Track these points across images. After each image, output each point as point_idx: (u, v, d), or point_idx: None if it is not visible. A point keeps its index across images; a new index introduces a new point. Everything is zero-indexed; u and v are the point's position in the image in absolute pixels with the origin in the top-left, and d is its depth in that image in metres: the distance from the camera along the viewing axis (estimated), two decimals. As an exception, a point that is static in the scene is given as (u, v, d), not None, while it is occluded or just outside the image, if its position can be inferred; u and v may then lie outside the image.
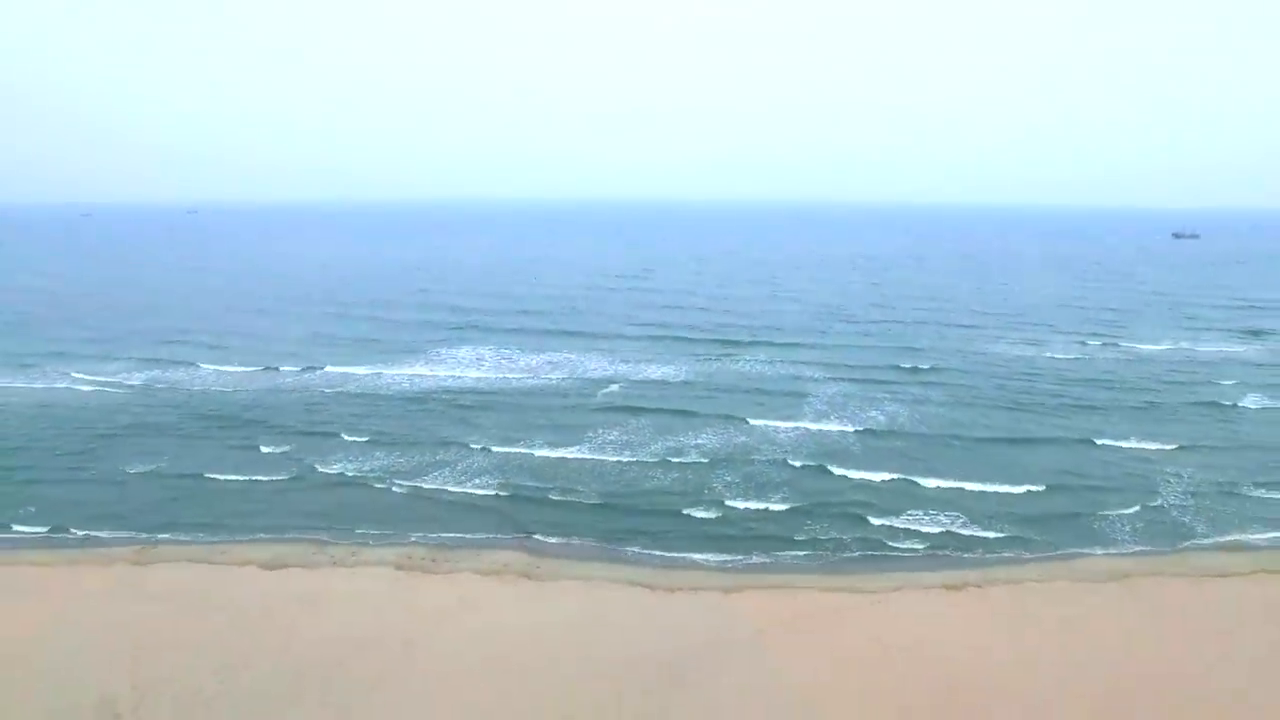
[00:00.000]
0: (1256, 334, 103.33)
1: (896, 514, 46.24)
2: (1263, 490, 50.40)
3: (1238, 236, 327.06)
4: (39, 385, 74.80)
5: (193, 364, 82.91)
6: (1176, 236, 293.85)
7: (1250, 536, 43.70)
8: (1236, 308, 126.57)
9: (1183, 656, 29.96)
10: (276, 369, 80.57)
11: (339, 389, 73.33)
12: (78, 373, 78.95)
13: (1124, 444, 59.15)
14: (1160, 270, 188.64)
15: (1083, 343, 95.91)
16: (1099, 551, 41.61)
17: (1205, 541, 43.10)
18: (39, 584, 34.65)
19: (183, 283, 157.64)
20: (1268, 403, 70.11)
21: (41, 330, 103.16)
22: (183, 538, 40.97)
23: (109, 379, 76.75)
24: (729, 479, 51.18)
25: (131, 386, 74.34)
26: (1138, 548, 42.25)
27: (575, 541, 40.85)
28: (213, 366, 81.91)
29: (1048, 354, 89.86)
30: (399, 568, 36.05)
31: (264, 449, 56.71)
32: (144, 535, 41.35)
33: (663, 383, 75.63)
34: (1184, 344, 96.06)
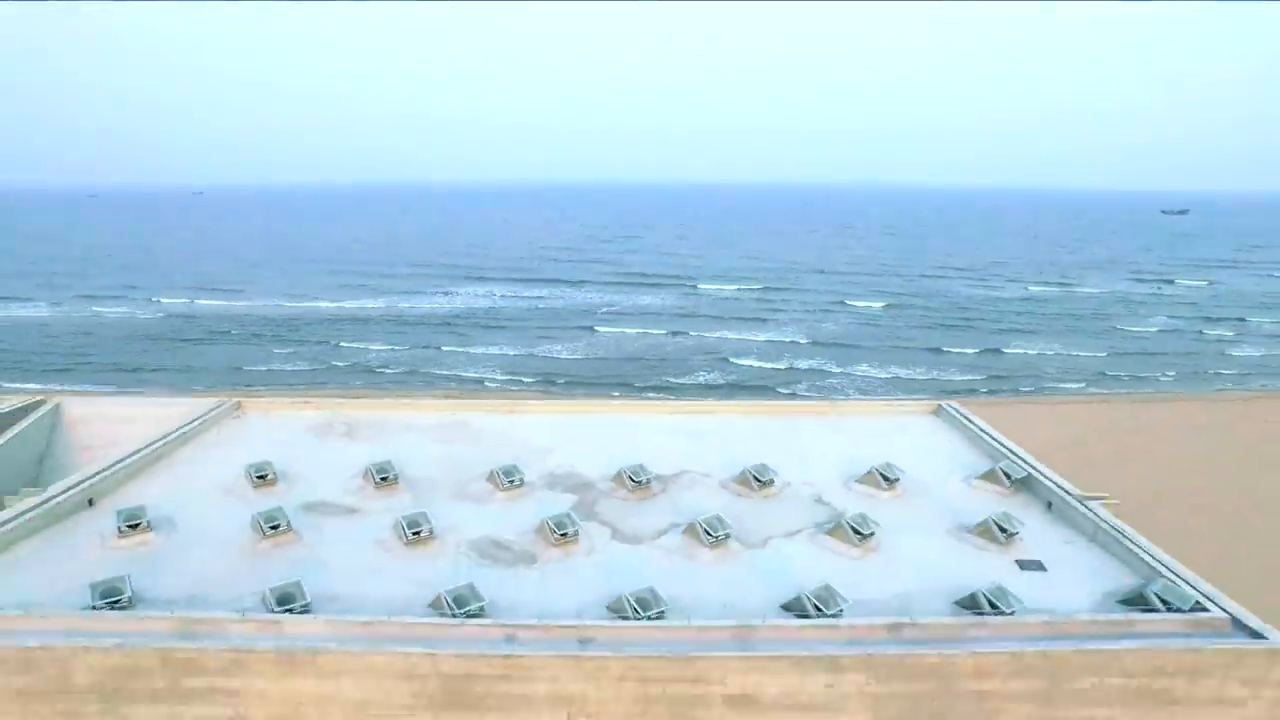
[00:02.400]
0: (1191, 282, 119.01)
1: (828, 384, 61.26)
2: (1120, 371, 66.30)
3: (1225, 213, 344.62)
4: (75, 315, 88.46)
5: (209, 302, 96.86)
6: (1165, 213, 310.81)
7: (1095, 389, 59.82)
8: (1186, 265, 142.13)
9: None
10: (284, 305, 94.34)
11: (353, 317, 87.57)
12: (98, 307, 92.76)
13: (1030, 351, 74.62)
14: (1134, 238, 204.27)
15: (1026, 287, 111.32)
16: (985, 397, 56.97)
17: (1063, 390, 58.99)
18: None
19: (197, 248, 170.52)
20: (1166, 325, 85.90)
21: (70, 281, 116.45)
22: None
23: (133, 313, 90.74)
24: (692, 366, 66.10)
25: (151, 318, 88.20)
26: (1019, 396, 57.76)
27: (578, 391, 56.12)
28: (228, 303, 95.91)
29: (995, 294, 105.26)
30: (446, 396, 50.80)
31: (280, 350, 71.19)
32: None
33: (644, 311, 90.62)
34: (1120, 288, 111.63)
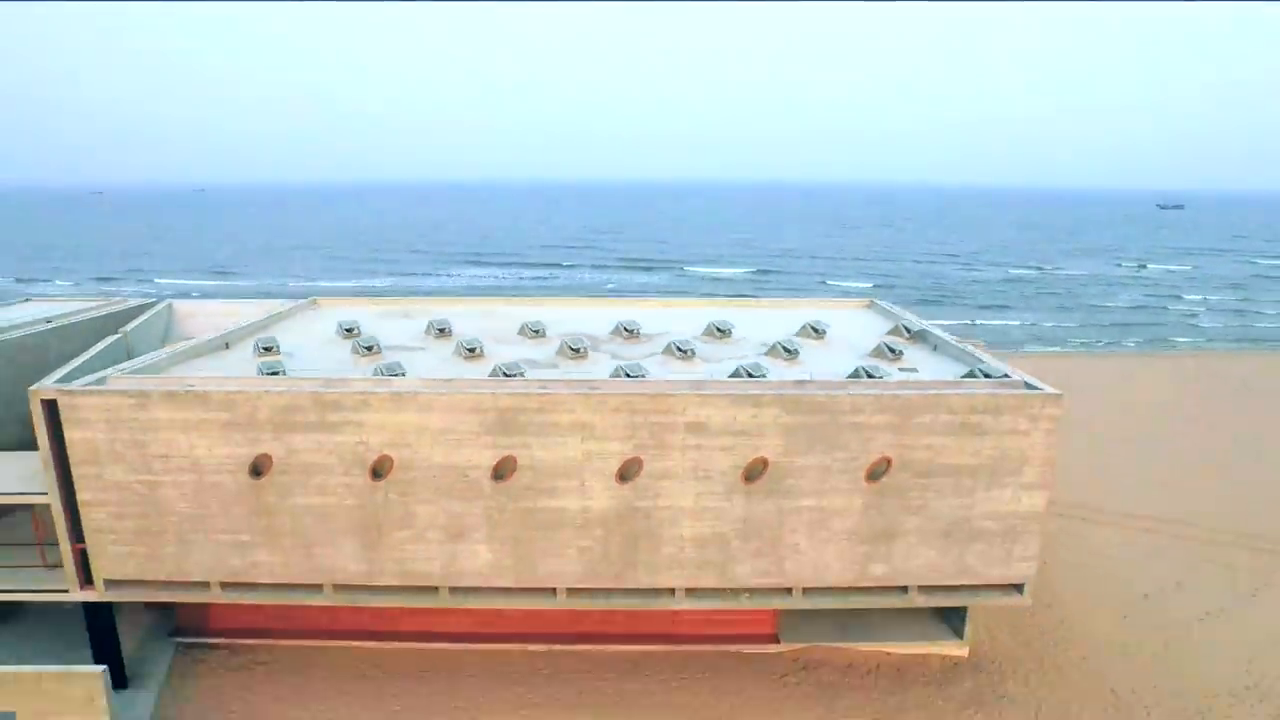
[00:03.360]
0: (1171, 267, 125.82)
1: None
2: (1086, 338, 73.03)
3: (1220, 208, 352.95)
4: (92, 295, 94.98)
5: (214, 283, 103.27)
6: (1161, 207, 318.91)
7: (1053, 348, 66.36)
8: (1170, 253, 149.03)
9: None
10: (288, 284, 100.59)
11: (356, 292, 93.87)
12: (109, 288, 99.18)
13: (1004, 322, 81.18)
14: (1125, 230, 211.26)
15: (1008, 270, 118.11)
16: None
17: (1028, 352, 65.41)
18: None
19: (200, 239, 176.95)
20: (1139, 301, 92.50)
21: (82, 266, 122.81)
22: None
23: (142, 291, 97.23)
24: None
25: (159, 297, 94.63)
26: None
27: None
28: (232, 283, 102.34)
29: (978, 275, 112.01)
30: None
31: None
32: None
33: (638, 291, 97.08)
34: (1101, 271, 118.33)
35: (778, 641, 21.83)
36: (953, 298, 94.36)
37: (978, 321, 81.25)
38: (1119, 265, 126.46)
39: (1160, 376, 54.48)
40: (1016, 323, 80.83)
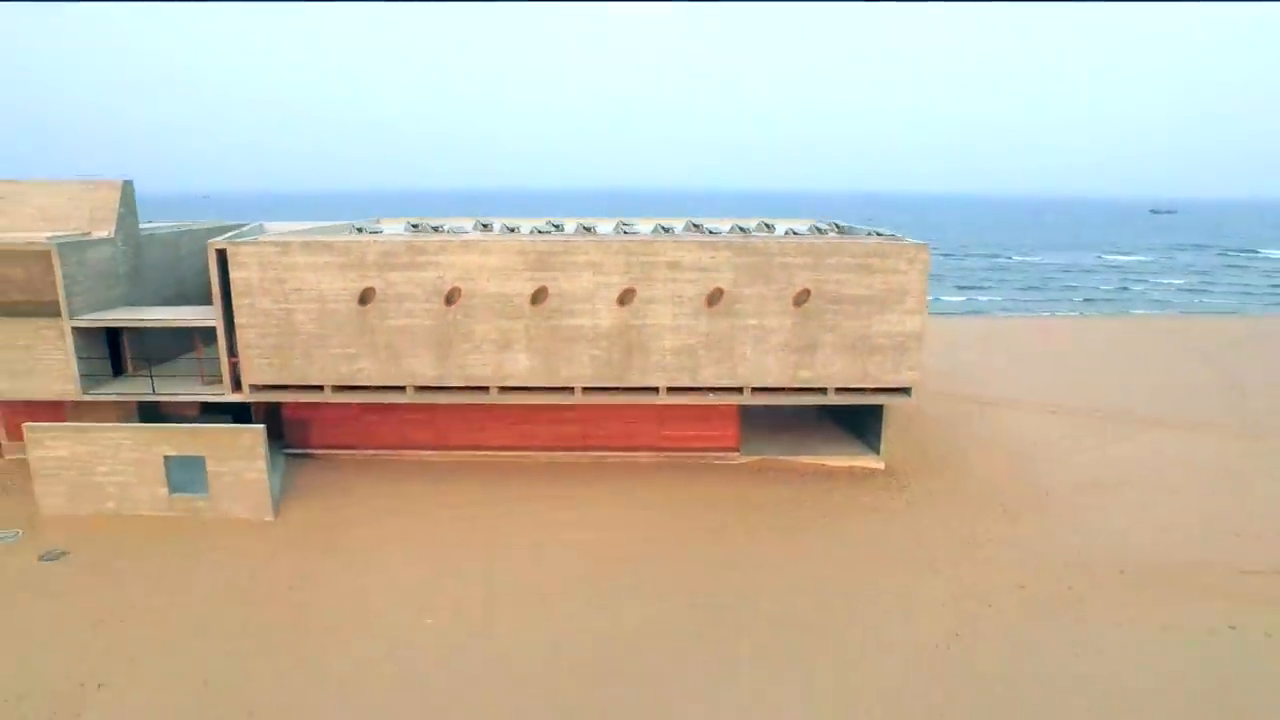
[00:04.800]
0: (1145, 258, 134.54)
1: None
2: (1048, 311, 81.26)
3: (1214, 213, 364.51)
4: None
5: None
6: (1154, 212, 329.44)
7: (1016, 313, 74.24)
8: (1151, 248, 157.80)
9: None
10: None
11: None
12: None
13: (977, 298, 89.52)
14: (1114, 229, 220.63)
15: (990, 259, 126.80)
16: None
17: (995, 314, 73.54)
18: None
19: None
20: (1106, 282, 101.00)
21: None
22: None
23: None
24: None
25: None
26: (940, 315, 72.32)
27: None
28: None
29: (958, 264, 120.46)
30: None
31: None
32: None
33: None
34: (1079, 261, 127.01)
35: (739, 452, 29.91)
36: (931, 280, 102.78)
37: (947, 298, 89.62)
38: (1098, 256, 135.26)
39: (1102, 329, 62.89)
40: (998, 298, 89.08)
